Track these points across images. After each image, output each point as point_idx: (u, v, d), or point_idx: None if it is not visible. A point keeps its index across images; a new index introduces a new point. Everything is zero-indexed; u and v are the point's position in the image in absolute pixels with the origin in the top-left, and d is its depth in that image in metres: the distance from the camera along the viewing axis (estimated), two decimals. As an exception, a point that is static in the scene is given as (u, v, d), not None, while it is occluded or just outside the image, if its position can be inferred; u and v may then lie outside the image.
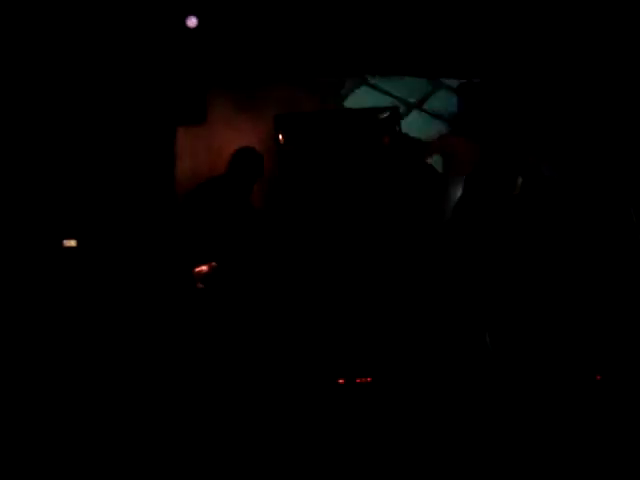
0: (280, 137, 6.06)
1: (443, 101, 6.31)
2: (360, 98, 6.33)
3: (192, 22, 5.65)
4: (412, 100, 6.32)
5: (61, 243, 5.45)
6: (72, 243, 5.45)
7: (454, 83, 6.29)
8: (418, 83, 6.34)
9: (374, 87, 6.34)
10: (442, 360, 5.25)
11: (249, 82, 6.19)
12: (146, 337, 5.22)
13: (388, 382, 5.15)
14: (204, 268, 5.21)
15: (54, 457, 4.26)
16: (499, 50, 5.93)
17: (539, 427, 4.56)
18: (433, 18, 5.82)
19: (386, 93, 6.32)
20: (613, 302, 5.44)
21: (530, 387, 4.97)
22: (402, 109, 6.25)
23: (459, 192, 5.68)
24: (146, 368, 5.03)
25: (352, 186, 5.87)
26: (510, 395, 4.90)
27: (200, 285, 5.20)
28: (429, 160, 6.05)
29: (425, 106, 6.30)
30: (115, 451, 4.34)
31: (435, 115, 6.27)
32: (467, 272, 5.53)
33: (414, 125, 6.20)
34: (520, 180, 5.29)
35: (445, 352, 5.30)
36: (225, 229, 5.34)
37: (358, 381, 5.18)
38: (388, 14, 5.84)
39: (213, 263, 5.24)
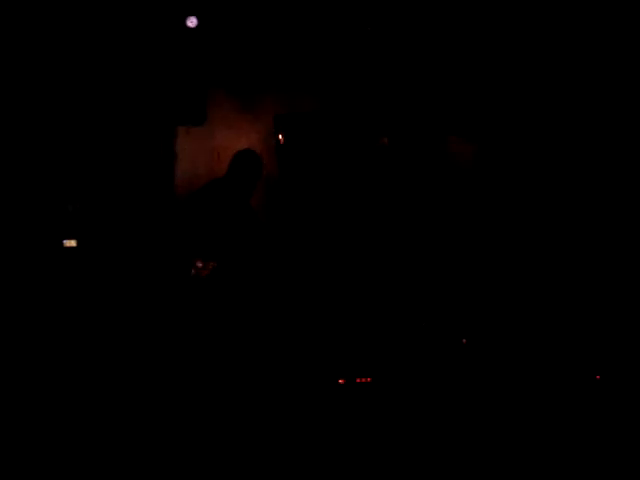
0: (280, 137, 6.07)
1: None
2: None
3: (192, 22, 5.65)
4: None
5: (61, 243, 5.45)
6: (72, 243, 5.45)
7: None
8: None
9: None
10: (442, 360, 5.25)
11: (249, 82, 6.19)
12: (146, 337, 5.22)
13: (388, 382, 5.14)
14: (202, 265, 5.23)
15: (54, 457, 4.26)
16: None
17: (539, 427, 4.57)
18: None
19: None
20: (613, 302, 5.44)
21: (530, 387, 4.97)
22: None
23: (458, 191, 5.70)
24: (146, 368, 5.03)
25: (351, 186, 5.87)
26: (510, 395, 4.90)
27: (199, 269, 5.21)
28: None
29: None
30: (115, 451, 4.34)
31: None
32: (467, 271, 5.54)
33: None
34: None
35: (445, 352, 5.31)
36: (225, 230, 5.34)
37: (358, 381, 5.18)
38: (388, 14, 5.86)
39: (213, 263, 5.24)
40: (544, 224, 5.68)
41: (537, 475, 4.17)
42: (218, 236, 5.32)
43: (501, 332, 5.36)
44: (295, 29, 5.90)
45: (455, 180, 5.86)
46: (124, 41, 5.62)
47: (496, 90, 5.95)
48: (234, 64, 6.07)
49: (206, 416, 4.71)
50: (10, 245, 5.28)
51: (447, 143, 6.01)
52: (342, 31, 5.90)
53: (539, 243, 5.62)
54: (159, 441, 4.43)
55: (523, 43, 5.81)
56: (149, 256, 5.56)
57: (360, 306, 5.51)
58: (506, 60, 5.90)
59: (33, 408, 4.63)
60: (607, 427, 4.53)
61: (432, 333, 5.39)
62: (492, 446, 4.39)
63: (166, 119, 5.90)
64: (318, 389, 5.05)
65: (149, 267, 5.52)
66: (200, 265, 5.23)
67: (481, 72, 5.94)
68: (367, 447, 4.42)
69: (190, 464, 4.27)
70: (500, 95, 5.95)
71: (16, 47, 5.39)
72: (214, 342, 5.19)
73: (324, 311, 5.48)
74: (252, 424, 4.64)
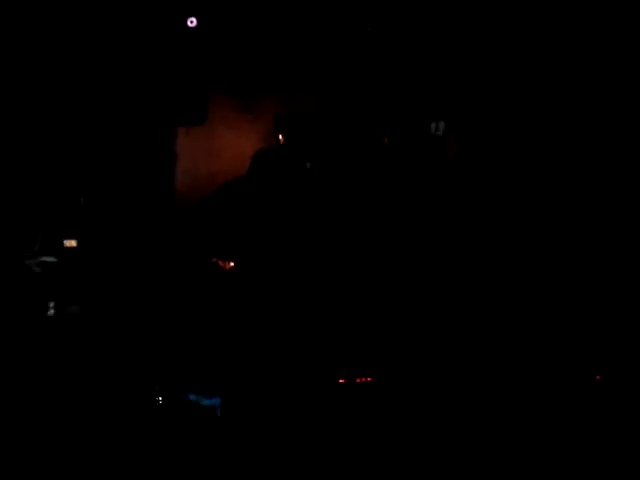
0: (280, 137, 6.07)
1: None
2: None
3: (192, 22, 5.65)
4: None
5: (61, 243, 5.45)
6: (72, 243, 5.45)
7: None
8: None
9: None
10: (442, 360, 5.25)
11: (249, 82, 6.19)
12: (149, 334, 5.23)
13: (388, 382, 5.14)
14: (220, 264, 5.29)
15: (54, 457, 4.26)
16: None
17: (539, 427, 4.56)
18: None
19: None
20: (613, 302, 5.43)
21: (530, 387, 4.97)
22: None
23: (458, 191, 5.70)
24: (147, 365, 5.04)
25: (351, 186, 5.87)
26: (510, 395, 4.90)
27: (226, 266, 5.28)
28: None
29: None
30: (115, 451, 4.34)
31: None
32: (467, 271, 5.54)
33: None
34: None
35: (445, 352, 5.30)
36: (246, 229, 5.38)
37: (358, 381, 5.18)
38: (389, 14, 5.86)
39: (230, 263, 5.30)
40: (544, 223, 5.67)
41: (537, 475, 4.17)
42: (239, 235, 5.36)
43: (501, 332, 5.35)
44: (295, 29, 5.91)
45: (454, 180, 5.86)
46: (124, 41, 5.62)
47: (496, 90, 5.96)
48: (234, 64, 6.07)
49: (206, 414, 4.71)
50: (11, 245, 5.28)
51: (447, 143, 6.02)
52: (342, 31, 5.90)
53: (539, 243, 5.62)
54: (161, 438, 4.44)
55: (522, 43, 5.82)
56: (149, 256, 5.56)
57: (360, 306, 5.51)
58: (505, 60, 5.90)
59: (33, 408, 4.63)
60: (607, 427, 4.53)
61: (432, 333, 5.39)
62: (492, 446, 4.38)
63: (166, 119, 5.90)
64: (318, 389, 5.05)
65: (148, 267, 5.53)
66: (219, 264, 5.29)
67: (480, 72, 5.95)
68: (367, 447, 4.42)
69: (190, 463, 4.28)
70: (500, 95, 5.96)
71: (17, 48, 5.39)
72: (215, 341, 5.21)
73: (324, 311, 5.47)
74: (252, 423, 4.64)
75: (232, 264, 5.36)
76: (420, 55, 6.00)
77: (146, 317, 5.30)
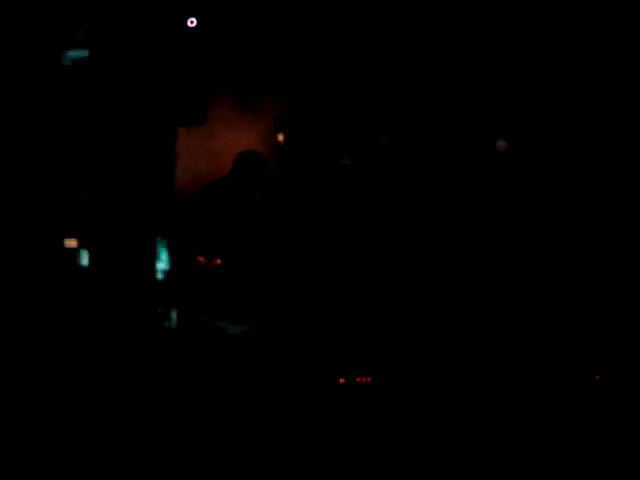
0: (280, 137, 6.08)
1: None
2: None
3: (192, 22, 5.65)
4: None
5: (61, 243, 5.45)
6: (73, 243, 5.45)
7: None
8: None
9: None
10: (442, 360, 5.26)
11: (249, 82, 6.20)
12: (146, 334, 5.23)
13: (388, 382, 5.15)
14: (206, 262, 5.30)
15: (54, 457, 4.26)
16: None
17: (539, 427, 4.57)
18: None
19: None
20: (613, 302, 5.44)
21: (530, 387, 4.97)
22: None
23: (459, 191, 5.70)
24: (146, 366, 5.03)
25: (351, 186, 5.88)
26: (510, 395, 4.90)
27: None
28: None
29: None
30: (114, 451, 4.34)
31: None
32: (466, 270, 5.55)
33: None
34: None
35: (445, 352, 5.31)
36: (228, 228, 5.39)
37: (358, 381, 5.18)
38: (389, 13, 5.86)
39: (217, 260, 5.30)
40: (545, 224, 5.68)
41: (537, 475, 4.17)
42: (221, 233, 5.37)
43: (501, 331, 5.36)
44: (295, 29, 5.91)
45: (456, 180, 5.86)
46: (124, 41, 5.62)
47: (497, 90, 5.96)
48: (234, 64, 6.08)
49: (205, 415, 4.71)
50: (10, 245, 5.28)
51: (448, 143, 6.02)
52: (342, 31, 5.90)
53: (540, 243, 5.63)
54: (159, 440, 4.44)
55: (523, 42, 5.82)
56: (149, 255, 5.56)
57: (360, 306, 5.52)
58: (507, 59, 5.90)
59: (33, 409, 4.64)
60: (607, 427, 4.53)
61: (430, 332, 5.40)
62: (492, 446, 4.39)
63: (167, 119, 5.90)
64: (318, 389, 5.05)
65: (148, 266, 5.53)
66: (204, 261, 5.28)
67: (481, 72, 5.95)
68: (367, 447, 4.42)
69: (190, 464, 4.28)
70: (501, 95, 5.96)
71: (18, 48, 5.39)
72: (214, 340, 5.21)
73: (324, 311, 5.48)
74: (252, 423, 4.64)
75: (218, 261, 5.37)
76: (421, 53, 6.01)
77: (147, 315, 5.31)
